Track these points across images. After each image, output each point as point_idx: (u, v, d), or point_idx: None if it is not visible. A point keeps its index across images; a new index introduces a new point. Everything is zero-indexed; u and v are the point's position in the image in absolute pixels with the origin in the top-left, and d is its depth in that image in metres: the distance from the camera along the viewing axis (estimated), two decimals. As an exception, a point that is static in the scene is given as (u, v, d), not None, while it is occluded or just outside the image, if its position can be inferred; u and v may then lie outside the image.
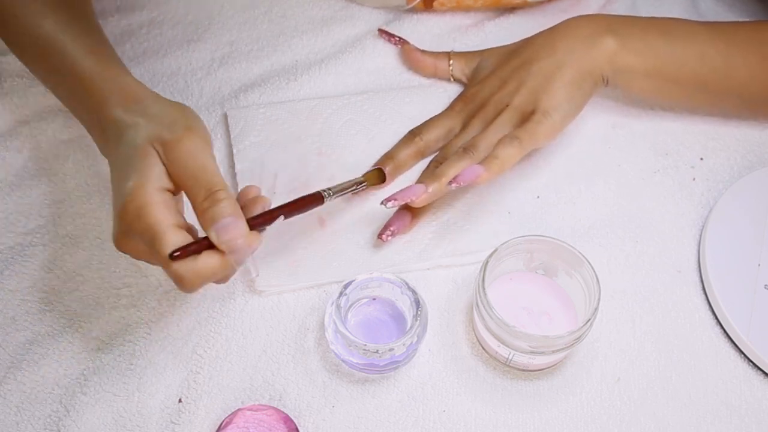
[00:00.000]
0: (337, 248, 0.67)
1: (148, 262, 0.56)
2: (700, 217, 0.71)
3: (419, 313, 0.60)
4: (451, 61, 0.76)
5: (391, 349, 0.60)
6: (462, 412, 0.61)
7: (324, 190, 0.63)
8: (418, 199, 0.64)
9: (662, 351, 0.64)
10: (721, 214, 0.70)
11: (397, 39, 0.79)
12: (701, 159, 0.75)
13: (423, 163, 0.72)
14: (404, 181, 0.71)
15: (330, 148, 0.73)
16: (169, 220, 0.53)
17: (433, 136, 0.71)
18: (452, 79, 0.77)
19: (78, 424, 0.60)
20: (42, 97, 0.75)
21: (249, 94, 0.76)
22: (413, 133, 0.72)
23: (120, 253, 0.56)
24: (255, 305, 0.65)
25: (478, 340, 0.64)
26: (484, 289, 0.60)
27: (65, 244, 0.68)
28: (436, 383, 0.63)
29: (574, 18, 0.72)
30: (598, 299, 0.59)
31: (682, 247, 0.70)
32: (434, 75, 0.78)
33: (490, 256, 0.61)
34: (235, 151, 0.72)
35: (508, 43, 0.76)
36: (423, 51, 0.78)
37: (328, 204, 0.69)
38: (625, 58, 0.69)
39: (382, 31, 0.80)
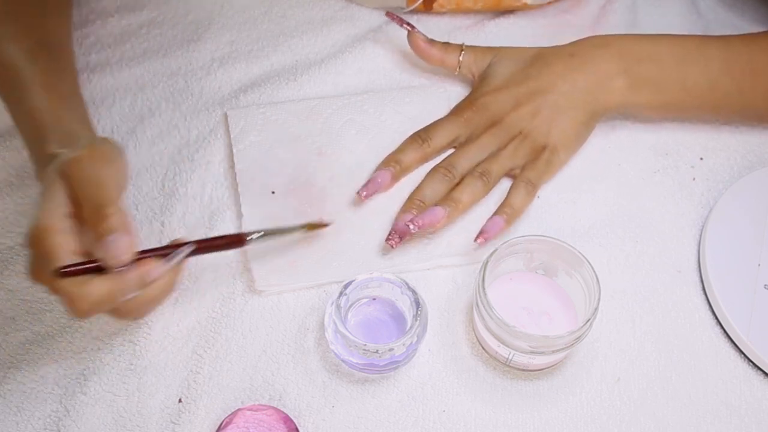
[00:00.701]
0: (337, 248, 0.67)
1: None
2: (700, 217, 0.71)
3: (419, 313, 0.60)
4: (461, 55, 0.75)
5: (391, 349, 0.60)
6: (462, 412, 0.61)
7: (250, 233, 0.62)
8: (439, 224, 0.65)
9: (662, 351, 0.64)
10: (721, 214, 0.70)
11: (406, 24, 0.76)
12: (701, 159, 0.75)
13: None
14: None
15: (330, 148, 0.73)
16: (68, 246, 0.53)
17: (441, 142, 0.71)
18: (457, 72, 0.76)
19: (78, 424, 0.60)
20: (42, 97, 0.75)
21: (249, 94, 0.76)
22: (421, 138, 0.70)
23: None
24: (255, 305, 0.65)
25: (478, 340, 0.64)
26: (484, 289, 0.60)
27: (65, 244, 0.68)
28: (436, 383, 0.63)
29: (591, 46, 0.71)
30: (598, 299, 0.59)
31: (682, 247, 0.70)
32: (440, 65, 0.76)
33: (490, 256, 0.61)
34: (235, 151, 0.72)
35: (509, 42, 0.76)
36: (431, 40, 0.75)
37: (328, 203, 0.69)
38: (635, 98, 0.72)
39: (390, 14, 0.77)
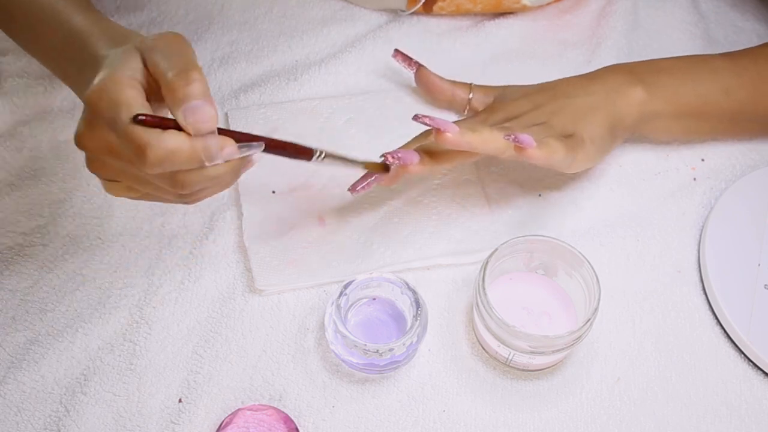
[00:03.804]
0: (336, 247, 0.67)
1: (109, 159, 0.52)
2: (700, 217, 0.71)
3: (419, 313, 0.60)
4: (471, 93, 0.73)
5: (391, 349, 0.60)
6: (462, 412, 0.61)
7: (318, 150, 0.59)
8: (450, 143, 0.60)
9: (662, 351, 0.64)
10: (721, 213, 0.70)
11: (414, 62, 0.75)
12: (702, 160, 0.75)
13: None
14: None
15: (330, 148, 0.72)
16: (138, 101, 0.50)
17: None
18: (467, 111, 0.74)
19: (78, 424, 0.60)
20: (42, 97, 0.75)
21: (249, 94, 0.76)
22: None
23: (116, 201, 0.54)
24: (255, 305, 0.65)
25: (478, 340, 0.64)
26: (484, 289, 0.60)
27: (65, 244, 0.68)
28: (436, 383, 0.63)
29: (604, 69, 0.71)
30: (598, 299, 0.59)
31: (682, 247, 0.70)
32: (450, 102, 0.74)
33: (490, 256, 0.61)
34: (235, 151, 0.72)
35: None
36: (440, 77, 0.74)
37: (328, 202, 0.69)
38: (653, 105, 0.70)
39: (398, 53, 0.75)
